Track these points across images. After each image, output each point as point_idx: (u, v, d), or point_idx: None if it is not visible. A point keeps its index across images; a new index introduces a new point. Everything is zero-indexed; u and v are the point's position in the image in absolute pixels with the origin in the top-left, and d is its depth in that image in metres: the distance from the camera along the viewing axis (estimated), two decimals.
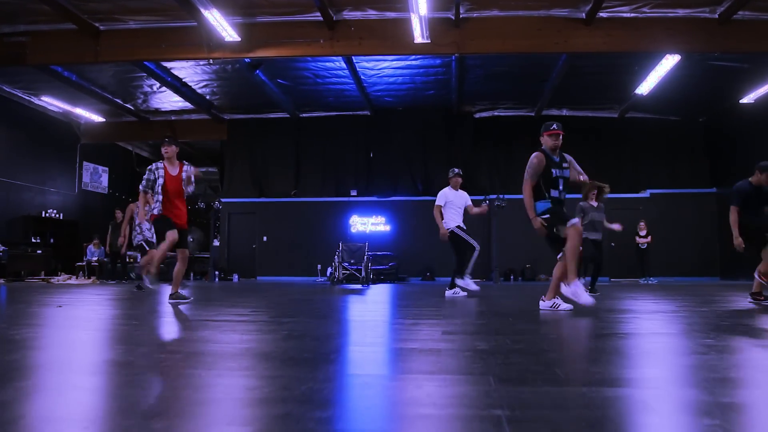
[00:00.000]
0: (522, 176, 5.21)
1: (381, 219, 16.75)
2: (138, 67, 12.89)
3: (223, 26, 10.39)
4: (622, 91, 14.43)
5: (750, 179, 5.97)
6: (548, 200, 5.13)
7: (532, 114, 16.70)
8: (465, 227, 7.85)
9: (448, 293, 7.77)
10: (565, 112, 16.81)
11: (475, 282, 7.93)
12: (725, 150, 15.46)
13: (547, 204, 5.12)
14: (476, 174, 16.74)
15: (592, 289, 8.20)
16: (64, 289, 9.58)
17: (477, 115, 17.06)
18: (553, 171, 5.16)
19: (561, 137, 5.23)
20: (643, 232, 14.66)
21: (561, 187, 5.20)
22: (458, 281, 7.76)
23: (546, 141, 5.20)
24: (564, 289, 4.99)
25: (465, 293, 7.80)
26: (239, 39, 10.85)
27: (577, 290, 4.87)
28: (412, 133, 16.90)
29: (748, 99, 13.24)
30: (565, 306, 5.01)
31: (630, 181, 16.55)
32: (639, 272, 14.83)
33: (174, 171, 6.20)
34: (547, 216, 5.09)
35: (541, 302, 5.26)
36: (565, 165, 5.25)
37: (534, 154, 5.16)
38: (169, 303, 5.92)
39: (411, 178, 16.95)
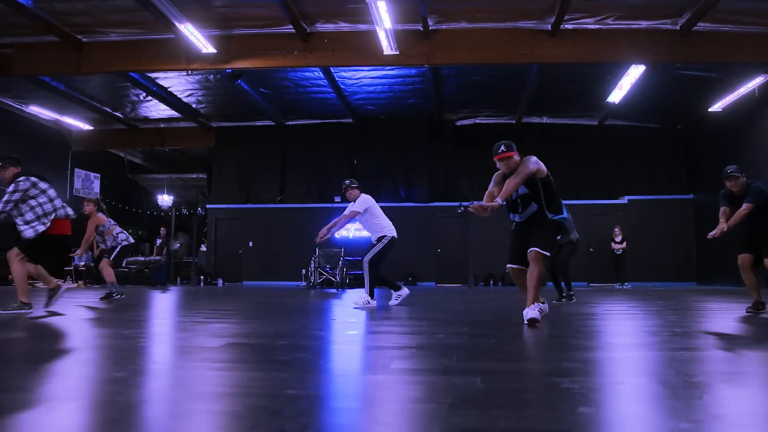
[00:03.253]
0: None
1: None
2: (122, 77, 13.28)
3: (198, 39, 10.74)
4: (597, 100, 14.69)
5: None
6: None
7: (513, 121, 16.99)
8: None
9: (394, 296, 7.24)
10: (545, 120, 17.13)
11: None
12: (701, 157, 15.69)
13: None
14: (458, 180, 17.11)
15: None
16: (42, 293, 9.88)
17: (458, 123, 17.37)
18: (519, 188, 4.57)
19: (506, 161, 4.53)
20: (618, 238, 14.91)
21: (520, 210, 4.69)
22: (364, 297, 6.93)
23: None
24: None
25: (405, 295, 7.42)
26: (215, 51, 11.20)
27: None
28: (394, 140, 17.17)
29: (716, 107, 13.46)
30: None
31: (609, 187, 16.82)
32: (615, 278, 15.06)
33: None
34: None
35: None
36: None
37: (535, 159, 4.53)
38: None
39: (393, 184, 17.21)
